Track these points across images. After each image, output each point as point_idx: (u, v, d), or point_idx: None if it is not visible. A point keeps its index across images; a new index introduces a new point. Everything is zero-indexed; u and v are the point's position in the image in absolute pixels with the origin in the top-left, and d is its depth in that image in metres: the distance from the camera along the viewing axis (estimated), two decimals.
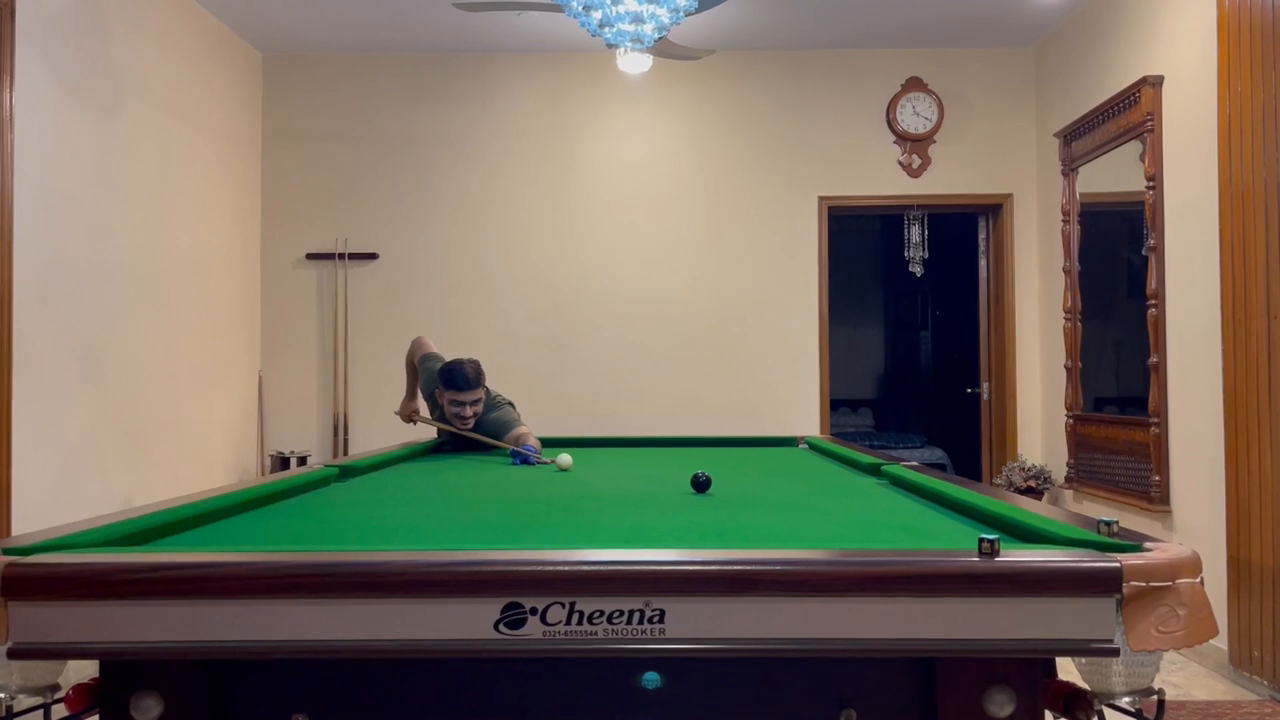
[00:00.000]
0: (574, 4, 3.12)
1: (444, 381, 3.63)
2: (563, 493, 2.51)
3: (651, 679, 1.42)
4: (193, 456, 5.21)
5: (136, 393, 4.66)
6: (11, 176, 3.69)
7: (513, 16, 5.31)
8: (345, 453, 6.02)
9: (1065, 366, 5.48)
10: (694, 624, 1.34)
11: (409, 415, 3.99)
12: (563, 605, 1.34)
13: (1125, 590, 1.33)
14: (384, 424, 5.84)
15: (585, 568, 1.35)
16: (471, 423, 3.66)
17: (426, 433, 4.33)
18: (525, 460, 3.31)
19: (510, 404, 3.87)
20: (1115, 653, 1.34)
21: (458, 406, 3.63)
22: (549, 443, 3.83)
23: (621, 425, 5.68)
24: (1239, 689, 3.81)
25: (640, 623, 1.34)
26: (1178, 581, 1.33)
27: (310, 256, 6.13)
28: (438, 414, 3.81)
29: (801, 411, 6.03)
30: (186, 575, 1.36)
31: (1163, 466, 4.45)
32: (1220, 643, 3.94)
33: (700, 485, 2.44)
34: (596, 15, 3.09)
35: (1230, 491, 3.91)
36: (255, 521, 1.99)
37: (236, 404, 5.79)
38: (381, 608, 1.35)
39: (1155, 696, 1.40)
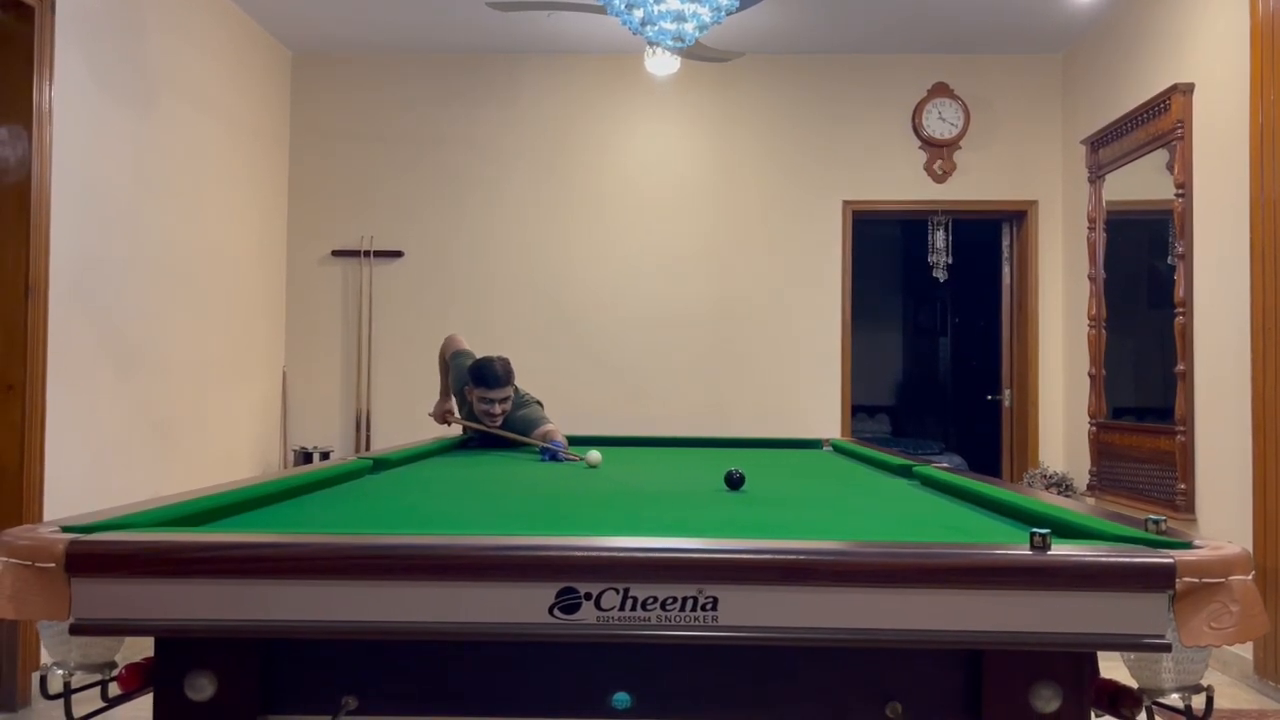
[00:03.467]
0: (616, 2, 3.14)
1: (474, 379, 3.65)
2: (597, 488, 2.52)
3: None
4: (218, 450, 5.25)
5: (165, 386, 4.69)
6: (50, 171, 3.73)
7: (541, 18, 5.33)
8: (367, 448, 6.04)
9: (1089, 374, 5.46)
10: (746, 612, 1.35)
11: (443, 415, 3.99)
12: (617, 591, 1.35)
13: (1178, 586, 1.33)
14: (406, 421, 5.87)
15: (641, 554, 1.36)
16: (500, 420, 3.68)
17: (452, 429, 4.34)
18: (554, 456, 3.32)
19: (538, 403, 3.88)
20: (1167, 648, 1.34)
21: (487, 404, 3.64)
22: (574, 441, 3.83)
23: (644, 426, 5.67)
24: (1264, 699, 3.79)
25: (693, 610, 1.35)
26: (1231, 578, 1.34)
27: (336, 253, 6.17)
28: (465, 410, 3.83)
29: (821, 415, 6.03)
30: (248, 555, 1.38)
31: (1188, 475, 4.44)
32: (1245, 651, 3.92)
33: (734, 482, 2.44)
34: (639, 13, 3.11)
35: (1257, 500, 3.89)
36: (299, 508, 2.01)
37: (260, 399, 5.82)
38: (436, 590, 1.36)
39: (1204, 693, 1.41)
